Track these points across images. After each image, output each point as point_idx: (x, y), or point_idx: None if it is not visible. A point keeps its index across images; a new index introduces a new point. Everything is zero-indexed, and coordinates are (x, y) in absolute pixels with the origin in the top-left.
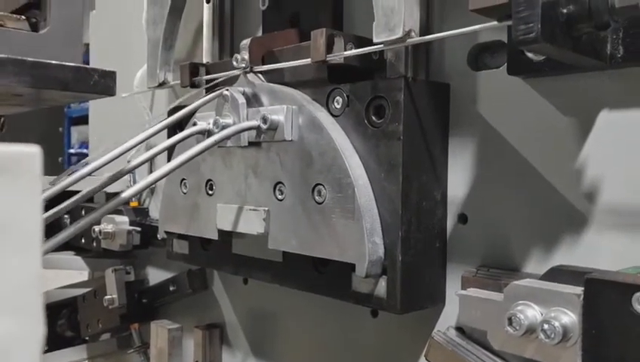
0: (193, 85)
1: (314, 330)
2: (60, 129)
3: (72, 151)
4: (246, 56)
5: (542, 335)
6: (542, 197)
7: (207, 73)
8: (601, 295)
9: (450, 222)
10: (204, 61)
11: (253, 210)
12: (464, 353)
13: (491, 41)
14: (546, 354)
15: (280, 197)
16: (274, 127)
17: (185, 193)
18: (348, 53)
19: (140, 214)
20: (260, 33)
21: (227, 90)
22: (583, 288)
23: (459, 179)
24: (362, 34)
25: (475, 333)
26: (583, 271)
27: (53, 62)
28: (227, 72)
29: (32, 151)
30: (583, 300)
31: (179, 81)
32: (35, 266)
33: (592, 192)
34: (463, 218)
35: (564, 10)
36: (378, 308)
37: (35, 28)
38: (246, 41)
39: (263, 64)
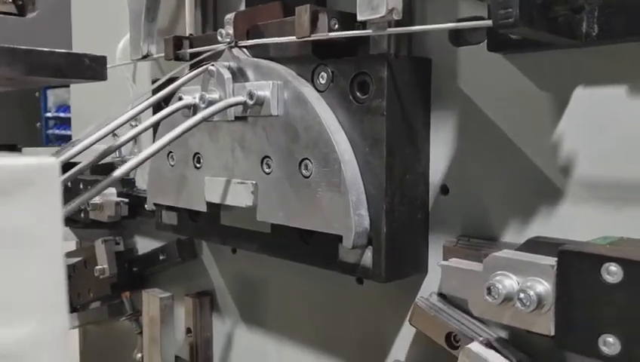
0: (177, 58)
1: (301, 297)
2: (37, 93)
3: (49, 115)
4: (230, 31)
5: (518, 304)
6: (519, 169)
7: (192, 46)
8: (573, 265)
9: (432, 193)
10: (187, 33)
11: (241, 183)
12: (446, 318)
13: (472, 17)
14: (522, 320)
15: (267, 170)
16: (260, 103)
17: (172, 165)
18: (333, 34)
19: (126, 185)
20: (243, 6)
21: (212, 65)
22: (556, 259)
23: (440, 151)
24: (346, 6)
25: (456, 299)
26: (558, 243)
27: (45, 49)
28: (212, 46)
29: (51, 163)
30: (556, 270)
31: (163, 54)
32: (59, 272)
33: (567, 166)
34: (444, 189)
35: None
36: (364, 276)
37: (21, 11)
38: (230, 16)
39: (248, 38)
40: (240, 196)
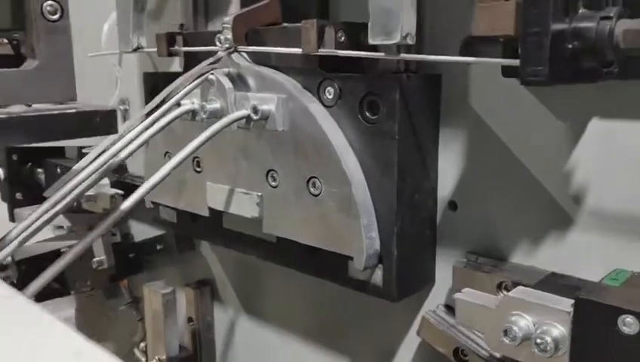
0: (170, 54)
1: (301, 286)
2: None
3: None
4: (229, 36)
5: (536, 349)
6: (530, 192)
7: (185, 43)
8: (589, 314)
9: (440, 207)
10: (179, 22)
11: (246, 193)
12: (454, 332)
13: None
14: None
15: (273, 183)
16: (265, 117)
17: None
18: (341, 52)
19: (118, 171)
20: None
21: (212, 73)
22: (572, 303)
23: (449, 167)
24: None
25: None
26: (574, 285)
27: (55, 111)
28: (209, 48)
29: None
30: (572, 317)
31: (154, 49)
32: None
33: (579, 195)
34: (452, 205)
35: (570, 46)
36: (375, 295)
37: (17, 51)
38: (228, 19)
39: (247, 41)
40: (244, 206)
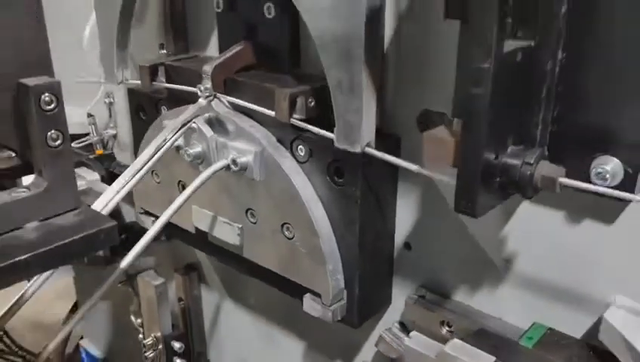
0: (153, 86)
1: None
2: None
3: None
4: (209, 85)
5: None
6: (470, 248)
7: (167, 75)
8: None
9: (398, 246)
10: (159, 42)
11: (228, 223)
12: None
13: (437, 112)
14: None
15: (252, 220)
16: (243, 168)
17: (158, 183)
18: (315, 129)
19: (106, 160)
20: (215, 34)
21: (194, 123)
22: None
23: (405, 213)
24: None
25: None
26: (499, 343)
27: (67, 240)
28: (189, 87)
29: None
30: None
31: (138, 81)
32: None
33: (509, 258)
34: (407, 245)
35: (498, 179)
36: (338, 321)
37: (24, 160)
38: (208, 69)
39: (225, 88)
40: (227, 234)
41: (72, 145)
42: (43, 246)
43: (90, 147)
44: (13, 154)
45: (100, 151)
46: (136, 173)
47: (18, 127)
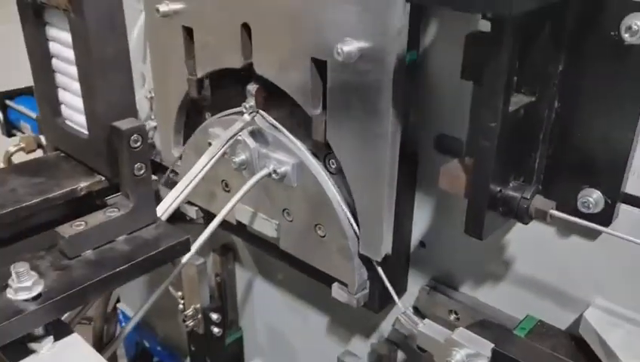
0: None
1: None
2: None
3: None
4: (252, 103)
5: None
6: (476, 248)
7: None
8: (499, 359)
9: (414, 244)
10: None
11: (267, 219)
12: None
13: (452, 137)
14: None
15: (288, 218)
16: (282, 177)
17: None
18: None
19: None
20: None
21: (240, 135)
22: (492, 347)
23: (421, 217)
24: None
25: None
26: (497, 331)
27: (153, 252)
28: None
29: None
30: (489, 359)
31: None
32: None
33: (509, 261)
34: (422, 244)
35: (500, 209)
36: (361, 306)
37: (111, 183)
38: (251, 88)
39: (265, 104)
40: (266, 228)
41: None
42: (136, 257)
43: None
44: (103, 178)
45: None
46: (193, 180)
47: (109, 159)
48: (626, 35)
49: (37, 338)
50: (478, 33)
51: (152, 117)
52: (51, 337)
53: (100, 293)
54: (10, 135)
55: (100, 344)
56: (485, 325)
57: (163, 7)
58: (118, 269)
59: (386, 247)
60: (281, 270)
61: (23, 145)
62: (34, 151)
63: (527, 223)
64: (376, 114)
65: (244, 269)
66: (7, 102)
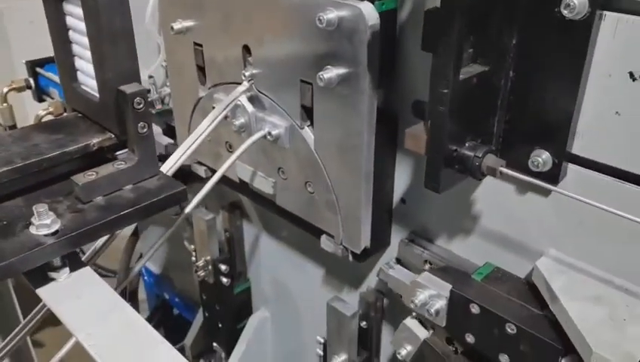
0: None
1: None
2: None
3: None
4: (251, 71)
5: (426, 314)
6: (449, 204)
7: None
8: (455, 299)
9: (395, 201)
10: None
11: (264, 177)
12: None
13: (425, 102)
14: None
15: (283, 176)
16: (276, 138)
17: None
18: None
19: (165, 115)
20: None
21: (239, 100)
22: (450, 289)
23: (401, 176)
24: None
25: (408, 264)
26: (456, 275)
27: (154, 199)
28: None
29: None
30: (448, 299)
31: None
32: None
33: (476, 216)
34: (403, 200)
35: (456, 167)
36: (349, 255)
37: (120, 140)
38: (251, 59)
39: None
40: (264, 185)
41: None
42: (139, 203)
43: (151, 104)
44: (113, 136)
45: (159, 106)
46: (197, 139)
47: (118, 118)
48: (565, 12)
49: (55, 269)
50: (434, 9)
51: (167, 84)
52: (67, 268)
53: (108, 232)
54: (40, 100)
55: (123, 294)
56: (447, 270)
57: (177, 25)
58: (124, 212)
59: (366, 240)
60: (283, 226)
61: (51, 109)
62: (61, 115)
63: (480, 179)
64: (357, 79)
65: (250, 224)
66: (38, 69)
